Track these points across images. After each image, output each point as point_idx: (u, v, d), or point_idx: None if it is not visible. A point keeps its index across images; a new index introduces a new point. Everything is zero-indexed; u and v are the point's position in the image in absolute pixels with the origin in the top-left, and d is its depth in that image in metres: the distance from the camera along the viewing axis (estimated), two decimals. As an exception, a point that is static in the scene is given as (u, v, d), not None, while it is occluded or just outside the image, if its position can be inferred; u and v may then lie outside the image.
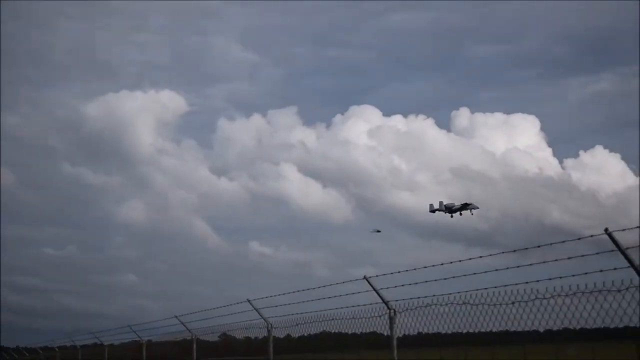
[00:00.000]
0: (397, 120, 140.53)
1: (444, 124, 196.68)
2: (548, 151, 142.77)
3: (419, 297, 12.76)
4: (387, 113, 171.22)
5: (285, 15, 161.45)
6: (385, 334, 14.12)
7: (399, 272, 12.76)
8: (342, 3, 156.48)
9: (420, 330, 13.59)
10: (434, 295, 12.42)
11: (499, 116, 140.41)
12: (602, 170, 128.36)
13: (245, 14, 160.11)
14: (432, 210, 78.04)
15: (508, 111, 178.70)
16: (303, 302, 16.65)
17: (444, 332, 12.99)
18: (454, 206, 76.44)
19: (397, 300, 13.45)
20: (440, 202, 77.50)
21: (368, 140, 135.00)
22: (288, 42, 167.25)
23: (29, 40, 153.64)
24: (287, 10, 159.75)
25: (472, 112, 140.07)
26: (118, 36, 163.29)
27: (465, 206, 76.07)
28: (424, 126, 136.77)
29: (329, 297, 15.48)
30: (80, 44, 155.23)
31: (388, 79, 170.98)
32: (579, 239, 10.25)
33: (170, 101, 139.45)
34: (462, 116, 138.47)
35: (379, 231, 79.67)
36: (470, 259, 11.48)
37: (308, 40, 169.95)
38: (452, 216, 76.70)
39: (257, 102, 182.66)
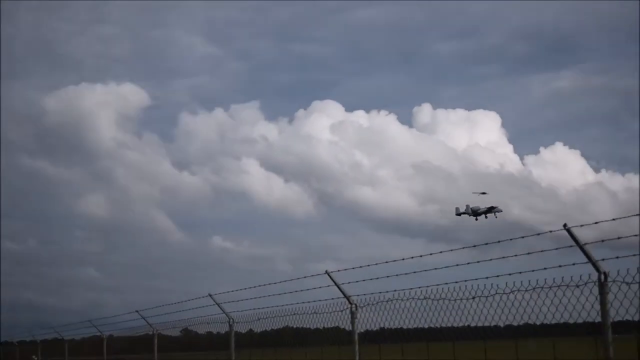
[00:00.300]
0: (360, 116, 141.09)
1: (406, 119, 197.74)
2: (509, 147, 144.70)
3: (380, 292, 12.74)
4: (349, 108, 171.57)
5: (246, 9, 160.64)
6: (347, 329, 14.12)
7: (360, 267, 12.79)
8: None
9: (382, 325, 13.63)
10: (395, 290, 12.41)
11: (460, 112, 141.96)
12: (562, 166, 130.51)
13: (207, 7, 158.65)
14: (459, 214, 78.66)
15: (469, 107, 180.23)
16: (265, 296, 16.60)
17: (405, 327, 13.01)
18: (479, 209, 77.19)
19: (358, 295, 13.46)
20: (467, 206, 78.16)
21: (330, 136, 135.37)
22: (250, 36, 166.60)
23: None
24: (249, 4, 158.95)
25: (434, 108, 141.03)
26: (78, 28, 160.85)
27: (490, 209, 77.02)
28: (386, 122, 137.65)
29: (291, 292, 15.44)
30: (40, 35, 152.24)
31: (351, 74, 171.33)
32: (538, 234, 10.34)
33: (131, 94, 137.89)
34: (424, 112, 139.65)
35: (484, 193, 79.36)
36: (431, 254, 11.50)
37: (270, 35, 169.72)
38: (476, 219, 77.43)
39: (220, 97, 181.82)
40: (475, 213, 77.17)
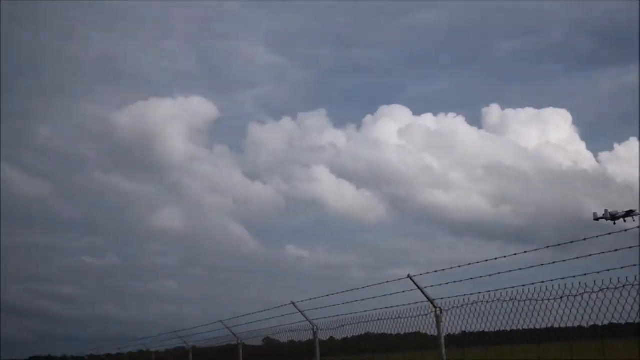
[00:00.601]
0: (427, 119, 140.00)
1: (475, 121, 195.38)
2: (582, 145, 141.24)
3: (464, 295, 12.70)
4: (417, 112, 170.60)
5: (308, 17, 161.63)
6: (429, 333, 14.10)
7: (442, 270, 12.73)
8: (363, 3, 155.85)
9: (464, 328, 13.56)
10: (479, 292, 12.35)
11: (530, 111, 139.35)
12: (637, 162, 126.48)
13: (269, 16, 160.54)
14: (596, 219, 77.82)
15: (538, 106, 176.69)
16: (345, 303, 16.71)
17: (487, 330, 12.93)
18: (617, 214, 76.35)
19: (442, 299, 13.42)
20: (606, 210, 77.33)
21: (399, 140, 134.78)
22: (312, 44, 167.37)
23: (58, 52, 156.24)
24: (310, 11, 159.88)
25: (503, 108, 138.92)
26: (145, 44, 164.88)
27: (629, 213, 76.00)
28: (454, 124, 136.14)
29: (373, 298, 15.49)
30: (108, 53, 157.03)
31: (416, 77, 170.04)
32: (609, 234, 10.22)
33: (200, 107, 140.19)
34: (493, 113, 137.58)
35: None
36: (515, 254, 11.45)
37: (332, 42, 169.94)
38: (614, 223, 76.48)
39: (286, 106, 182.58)
40: (614, 217, 75.99)
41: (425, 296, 13.39)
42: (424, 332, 14.75)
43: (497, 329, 12.73)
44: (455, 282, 12.87)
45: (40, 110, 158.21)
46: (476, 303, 12.49)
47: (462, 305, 12.88)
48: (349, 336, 18.47)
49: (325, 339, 19.26)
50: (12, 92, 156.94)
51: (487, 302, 12.29)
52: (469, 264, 12.21)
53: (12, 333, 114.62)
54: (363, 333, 18.02)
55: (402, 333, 16.02)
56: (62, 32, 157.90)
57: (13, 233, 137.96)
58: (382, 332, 17.01)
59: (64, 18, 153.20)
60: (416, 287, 13.37)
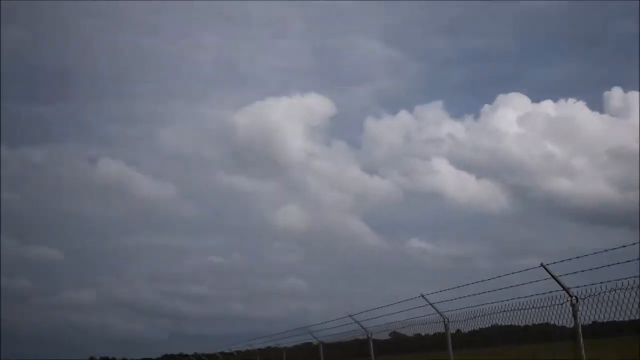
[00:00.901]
0: (547, 106, 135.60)
1: (597, 105, 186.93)
2: None
3: (601, 282, 12.47)
4: (535, 99, 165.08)
5: (419, 7, 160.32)
6: (558, 324, 13.94)
7: (577, 257, 12.55)
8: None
9: (596, 318, 13.26)
10: (617, 280, 12.08)
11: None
12: None
13: (383, 10, 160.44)
14: None
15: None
16: (472, 295, 16.70)
17: (620, 319, 12.65)
18: None
19: (577, 287, 13.23)
20: None
21: (518, 128, 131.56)
22: (425, 35, 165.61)
23: (176, 56, 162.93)
24: (420, 3, 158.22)
25: (625, 91, 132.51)
26: (259, 45, 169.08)
27: None
28: (575, 109, 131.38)
29: (502, 289, 15.40)
30: (225, 55, 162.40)
31: (533, 64, 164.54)
32: None
33: (316, 104, 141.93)
34: (615, 96, 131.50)
35: None
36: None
37: (445, 32, 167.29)
38: None
39: (402, 99, 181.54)
40: None
41: (560, 285, 13.24)
42: (552, 322, 14.58)
43: (629, 318, 12.44)
44: (584, 270, 12.61)
45: (164, 115, 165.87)
46: (614, 291, 12.25)
47: (600, 294, 12.62)
48: (476, 328, 18.46)
49: (453, 332, 19.31)
50: (137, 98, 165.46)
51: (626, 289, 12.02)
52: (606, 250, 11.96)
53: (145, 333, 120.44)
54: (489, 325, 17.97)
55: (530, 324, 15.87)
56: (179, 36, 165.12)
57: (142, 235, 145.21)
58: (509, 323, 16.91)
59: (179, 22, 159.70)
60: (549, 276, 13.26)
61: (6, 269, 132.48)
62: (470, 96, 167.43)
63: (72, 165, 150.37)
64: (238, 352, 45.04)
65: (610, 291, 12.32)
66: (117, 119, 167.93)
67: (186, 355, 69.81)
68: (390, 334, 25.67)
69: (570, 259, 12.69)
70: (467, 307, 17.52)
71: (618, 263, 11.92)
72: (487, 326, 18.00)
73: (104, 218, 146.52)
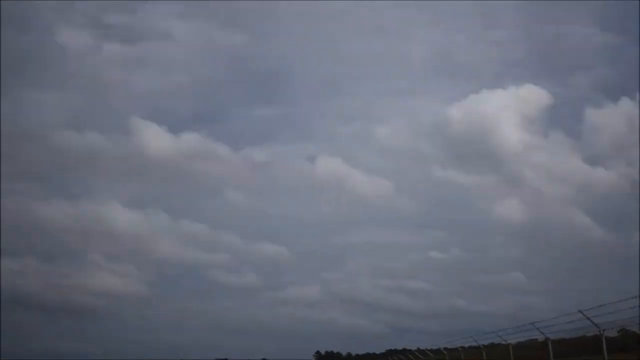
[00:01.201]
0: None
1: None
2: None
3: None
4: None
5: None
6: None
7: None
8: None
9: None
10: None
11: None
12: None
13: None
14: None
15: None
16: None
17: None
18: None
19: None
20: None
21: None
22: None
23: (394, 53, 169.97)
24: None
25: None
26: (472, 37, 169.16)
27: None
28: None
29: None
30: (437, 49, 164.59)
31: None
32: None
33: (532, 95, 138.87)
34: None
35: None
36: None
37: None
38: None
39: (623, 86, 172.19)
40: None
41: None
42: None
43: None
44: None
45: (378, 110, 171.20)
46: None
47: None
48: None
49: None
50: (352, 96, 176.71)
51: None
52: None
53: (367, 327, 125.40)
54: None
55: None
56: (391, 32, 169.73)
57: (362, 231, 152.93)
58: None
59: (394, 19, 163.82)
60: None
61: (233, 266, 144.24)
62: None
63: (293, 163, 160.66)
64: (462, 347, 46.16)
65: None
66: (333, 117, 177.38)
67: (409, 350, 71.53)
68: (618, 331, 25.59)
69: None
70: None
71: None
72: None
73: (323, 214, 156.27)
